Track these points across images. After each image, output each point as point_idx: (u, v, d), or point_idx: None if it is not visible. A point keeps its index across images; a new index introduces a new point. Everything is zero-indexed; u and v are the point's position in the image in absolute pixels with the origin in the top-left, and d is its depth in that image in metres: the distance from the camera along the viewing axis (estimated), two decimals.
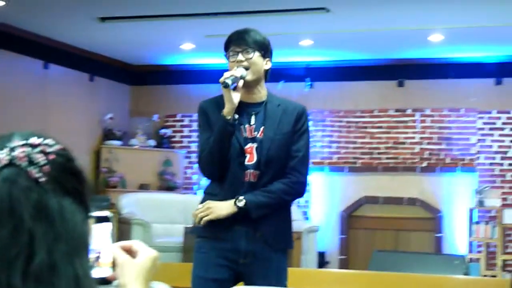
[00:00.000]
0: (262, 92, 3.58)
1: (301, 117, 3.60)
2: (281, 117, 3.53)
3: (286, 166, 3.53)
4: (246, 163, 3.49)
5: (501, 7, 7.85)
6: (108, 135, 10.70)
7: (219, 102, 3.52)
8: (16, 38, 9.21)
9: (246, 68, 3.48)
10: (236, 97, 3.44)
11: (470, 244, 9.64)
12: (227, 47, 3.57)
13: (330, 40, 9.45)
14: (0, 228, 1.08)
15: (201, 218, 3.47)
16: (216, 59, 10.29)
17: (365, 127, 10.31)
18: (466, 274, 5.97)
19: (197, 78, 10.80)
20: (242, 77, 3.46)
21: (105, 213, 1.58)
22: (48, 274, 1.07)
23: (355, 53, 10.05)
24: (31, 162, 1.12)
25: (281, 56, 10.12)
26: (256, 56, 3.50)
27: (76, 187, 1.15)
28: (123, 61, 11.03)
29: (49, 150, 1.14)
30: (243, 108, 3.52)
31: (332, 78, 10.51)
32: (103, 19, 8.64)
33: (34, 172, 1.11)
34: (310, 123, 3.72)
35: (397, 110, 10.25)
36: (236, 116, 3.44)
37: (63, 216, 1.11)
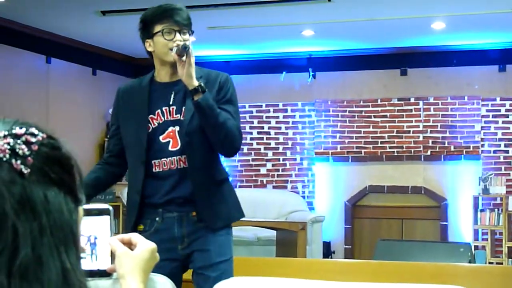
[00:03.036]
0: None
1: (224, 85, 3.40)
2: None
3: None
4: (170, 149, 3.32)
5: None
6: None
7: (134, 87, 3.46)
8: (18, 33, 9.20)
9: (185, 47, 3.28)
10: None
11: (476, 231, 9.64)
12: (154, 21, 3.33)
13: (332, 30, 9.42)
14: None
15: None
16: (218, 51, 10.29)
17: (369, 117, 10.29)
18: (471, 261, 5.98)
19: None
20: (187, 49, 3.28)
21: (105, 205, 1.59)
22: (34, 269, 1.04)
23: (357, 42, 10.02)
24: (14, 154, 1.08)
25: (283, 47, 10.12)
26: (190, 37, 3.35)
27: (62, 176, 1.11)
28: (125, 54, 11.02)
29: (33, 140, 1.10)
30: (161, 90, 3.36)
31: (334, 68, 10.49)
32: (104, 12, 8.64)
33: (18, 164, 1.07)
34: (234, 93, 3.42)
35: (400, 99, 10.22)
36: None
37: (48, 208, 1.07)
